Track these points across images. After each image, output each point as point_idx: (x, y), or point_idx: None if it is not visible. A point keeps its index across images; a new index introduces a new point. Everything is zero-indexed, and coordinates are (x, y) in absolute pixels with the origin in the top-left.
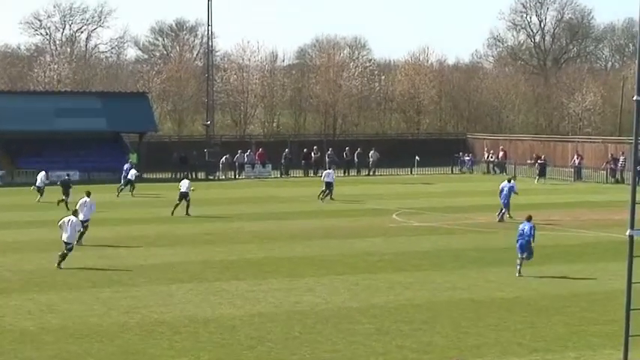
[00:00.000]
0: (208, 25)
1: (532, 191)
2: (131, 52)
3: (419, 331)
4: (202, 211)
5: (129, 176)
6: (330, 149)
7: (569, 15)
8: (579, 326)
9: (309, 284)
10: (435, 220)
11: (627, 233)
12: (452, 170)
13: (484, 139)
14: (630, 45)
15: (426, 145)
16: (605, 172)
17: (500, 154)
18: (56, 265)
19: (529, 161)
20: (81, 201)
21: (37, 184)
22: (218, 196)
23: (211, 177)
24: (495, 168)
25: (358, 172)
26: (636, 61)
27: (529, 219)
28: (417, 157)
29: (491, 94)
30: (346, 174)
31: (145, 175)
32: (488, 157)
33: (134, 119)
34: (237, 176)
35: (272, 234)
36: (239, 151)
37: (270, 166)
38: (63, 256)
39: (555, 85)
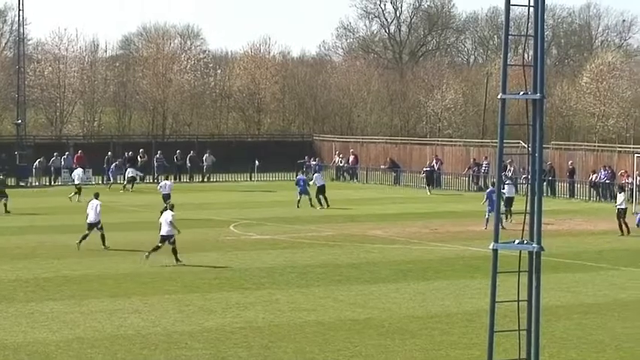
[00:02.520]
0: (19, 9)
1: (387, 200)
2: None
3: (259, 357)
4: (11, 222)
5: None
6: (159, 152)
7: (428, 3)
8: (437, 351)
9: (135, 305)
10: (277, 233)
11: (491, 247)
12: (296, 176)
13: (333, 141)
14: (495, 37)
15: (267, 148)
16: (467, 178)
17: (351, 158)
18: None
19: (382, 166)
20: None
21: None
22: (30, 205)
23: (23, 183)
24: (345, 173)
25: (191, 177)
26: (502, 55)
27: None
28: (256, 162)
29: (341, 91)
30: (177, 180)
31: None
32: (337, 161)
33: None
34: (52, 182)
35: (93, 247)
36: (55, 154)
37: (90, 171)
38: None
39: (412, 82)
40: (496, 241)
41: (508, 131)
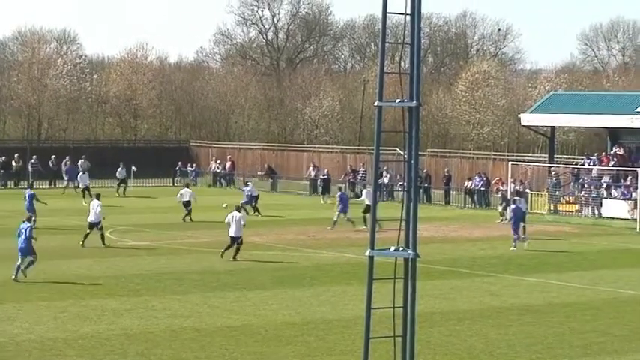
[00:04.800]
0: None
1: (264, 206)
2: None
3: None
4: None
5: None
6: (35, 157)
7: (306, 10)
8: (313, 357)
9: (9, 312)
10: (154, 239)
11: (367, 253)
12: (173, 182)
13: (210, 147)
14: (372, 45)
15: (144, 154)
16: (343, 185)
17: (228, 164)
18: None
19: (259, 173)
20: (92, 204)
21: None
22: None
23: None
24: (222, 180)
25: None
26: (379, 63)
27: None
28: (133, 168)
29: (218, 97)
30: (52, 186)
31: None
32: (214, 167)
33: None
34: None
35: None
36: None
37: None
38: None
39: (289, 88)
40: (372, 247)
41: (384, 138)
